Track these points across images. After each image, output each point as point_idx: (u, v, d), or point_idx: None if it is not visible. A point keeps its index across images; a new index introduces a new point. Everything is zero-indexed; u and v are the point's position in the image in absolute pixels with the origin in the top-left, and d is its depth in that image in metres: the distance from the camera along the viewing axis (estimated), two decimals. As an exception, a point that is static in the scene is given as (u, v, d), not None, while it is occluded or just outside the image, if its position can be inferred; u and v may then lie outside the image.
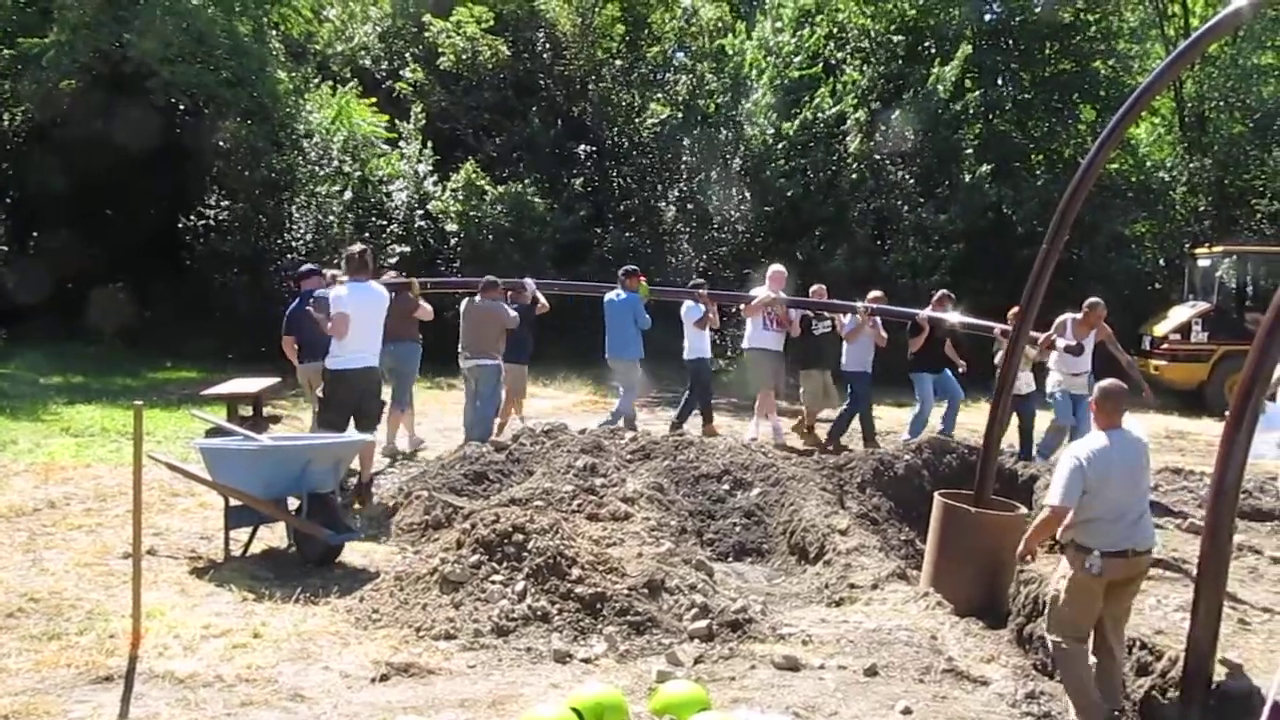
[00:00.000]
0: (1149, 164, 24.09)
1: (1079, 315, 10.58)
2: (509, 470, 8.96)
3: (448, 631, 5.36)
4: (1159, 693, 5.64)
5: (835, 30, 22.79)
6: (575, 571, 5.72)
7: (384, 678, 4.87)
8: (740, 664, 5.14)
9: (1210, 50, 20.33)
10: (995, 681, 5.06)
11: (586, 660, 5.16)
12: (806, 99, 20.89)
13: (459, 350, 11.11)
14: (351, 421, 8.40)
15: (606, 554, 6.09)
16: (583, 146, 22.10)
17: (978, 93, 21.40)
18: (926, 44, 22.79)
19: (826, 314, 12.08)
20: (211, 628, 5.47)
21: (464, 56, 20.97)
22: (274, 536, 7.42)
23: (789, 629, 5.74)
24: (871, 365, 11.92)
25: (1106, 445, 5.18)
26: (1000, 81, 24.07)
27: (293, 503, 7.10)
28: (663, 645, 5.35)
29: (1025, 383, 10.90)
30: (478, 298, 10.99)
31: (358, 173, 19.78)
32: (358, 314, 8.26)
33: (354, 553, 7.17)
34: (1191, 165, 22.63)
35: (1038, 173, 22.38)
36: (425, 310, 10.76)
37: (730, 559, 8.10)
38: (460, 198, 19.64)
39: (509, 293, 11.46)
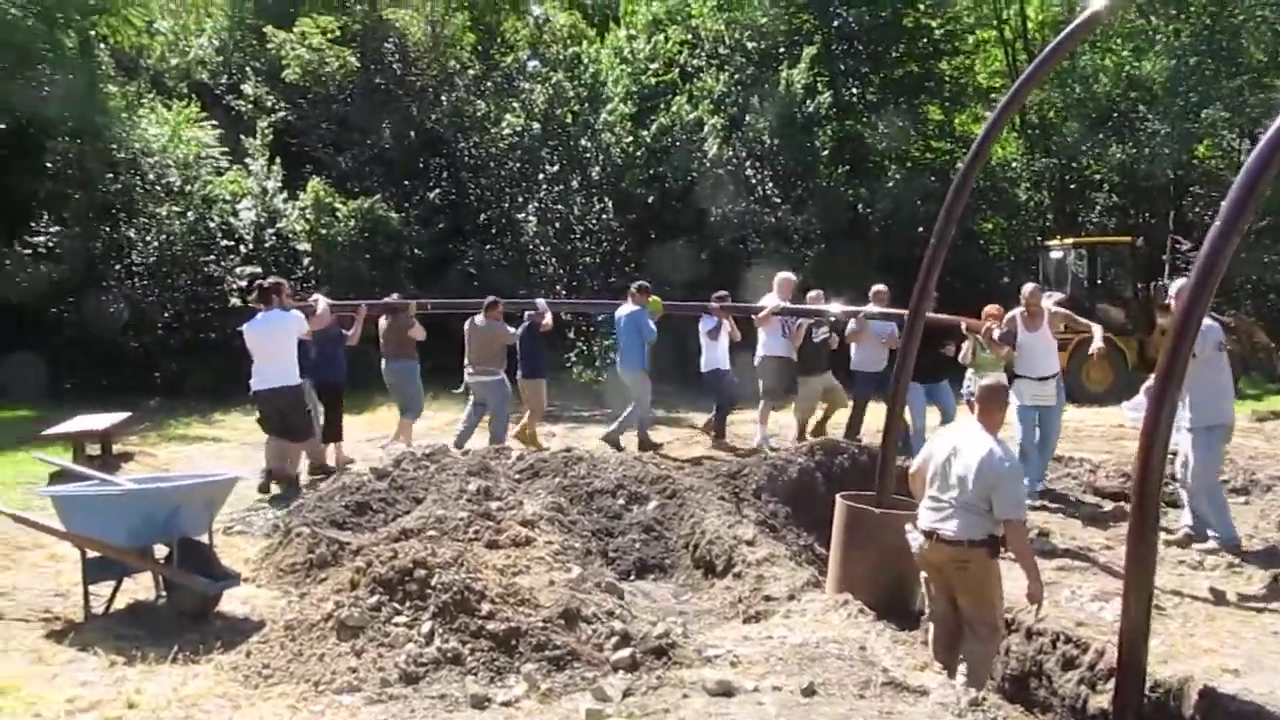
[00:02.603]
0: (994, 163, 24.96)
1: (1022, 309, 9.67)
2: (393, 499, 8.44)
3: (351, 684, 4.87)
4: (1088, 686, 5.61)
5: (690, 37, 22.83)
6: (485, 606, 5.29)
7: (285, 742, 4.39)
8: (671, 693, 4.82)
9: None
10: (934, 690, 4.88)
11: (507, 704, 4.75)
12: (663, 106, 20.82)
13: (464, 366, 11.81)
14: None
15: (515, 584, 5.68)
16: (438, 159, 21.52)
17: (828, 95, 21.69)
18: (780, 50, 23.04)
19: (827, 319, 12.02)
20: (77, 700, 4.83)
21: (310, 68, 20.16)
22: (140, 588, 6.75)
23: (714, 650, 5.44)
24: (884, 365, 11.46)
25: None
26: (851, 84, 24.55)
27: (160, 550, 6.47)
28: (586, 680, 4.98)
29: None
30: (478, 318, 11.70)
31: (200, 192, 18.73)
32: (260, 342, 9.44)
33: (234, 600, 6.56)
34: (1034, 164, 23.53)
35: (890, 172, 22.84)
36: (419, 330, 11.63)
37: (632, 577, 7.77)
38: (310, 216, 18.85)
39: (526, 312, 12.30)
